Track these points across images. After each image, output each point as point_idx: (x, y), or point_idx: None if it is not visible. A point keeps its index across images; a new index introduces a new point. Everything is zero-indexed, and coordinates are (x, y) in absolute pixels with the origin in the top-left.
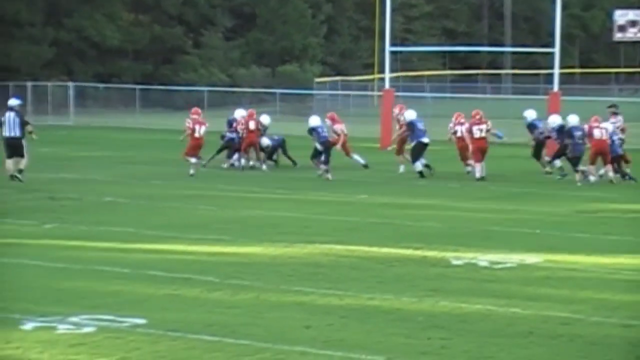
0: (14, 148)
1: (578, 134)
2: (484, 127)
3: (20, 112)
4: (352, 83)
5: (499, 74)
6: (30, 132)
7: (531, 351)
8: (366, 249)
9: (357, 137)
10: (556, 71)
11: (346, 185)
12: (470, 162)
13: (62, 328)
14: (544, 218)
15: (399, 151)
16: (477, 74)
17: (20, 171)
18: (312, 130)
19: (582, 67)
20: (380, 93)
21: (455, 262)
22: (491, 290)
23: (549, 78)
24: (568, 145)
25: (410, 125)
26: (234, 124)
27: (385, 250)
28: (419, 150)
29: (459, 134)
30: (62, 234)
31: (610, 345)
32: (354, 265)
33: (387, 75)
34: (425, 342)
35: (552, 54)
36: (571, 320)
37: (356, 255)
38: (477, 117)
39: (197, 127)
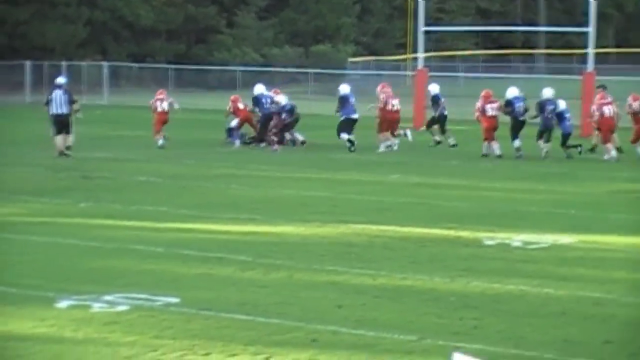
0: (62, 124)
1: (550, 107)
2: (495, 105)
3: (68, 90)
4: (385, 63)
5: (532, 54)
6: (77, 111)
7: (564, 331)
8: (398, 228)
9: None
10: (591, 51)
11: (378, 165)
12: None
13: (96, 306)
14: (577, 198)
15: (381, 130)
16: (511, 54)
17: (68, 147)
18: (256, 100)
19: (617, 46)
20: (414, 73)
21: (488, 242)
22: (524, 271)
23: (583, 58)
24: (517, 119)
25: (343, 99)
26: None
27: (417, 230)
28: (348, 125)
29: (389, 107)
30: (96, 213)
31: None
32: (387, 245)
33: (421, 55)
34: (458, 322)
35: (586, 34)
36: (604, 301)
37: (389, 235)
38: (489, 96)
39: (158, 103)
